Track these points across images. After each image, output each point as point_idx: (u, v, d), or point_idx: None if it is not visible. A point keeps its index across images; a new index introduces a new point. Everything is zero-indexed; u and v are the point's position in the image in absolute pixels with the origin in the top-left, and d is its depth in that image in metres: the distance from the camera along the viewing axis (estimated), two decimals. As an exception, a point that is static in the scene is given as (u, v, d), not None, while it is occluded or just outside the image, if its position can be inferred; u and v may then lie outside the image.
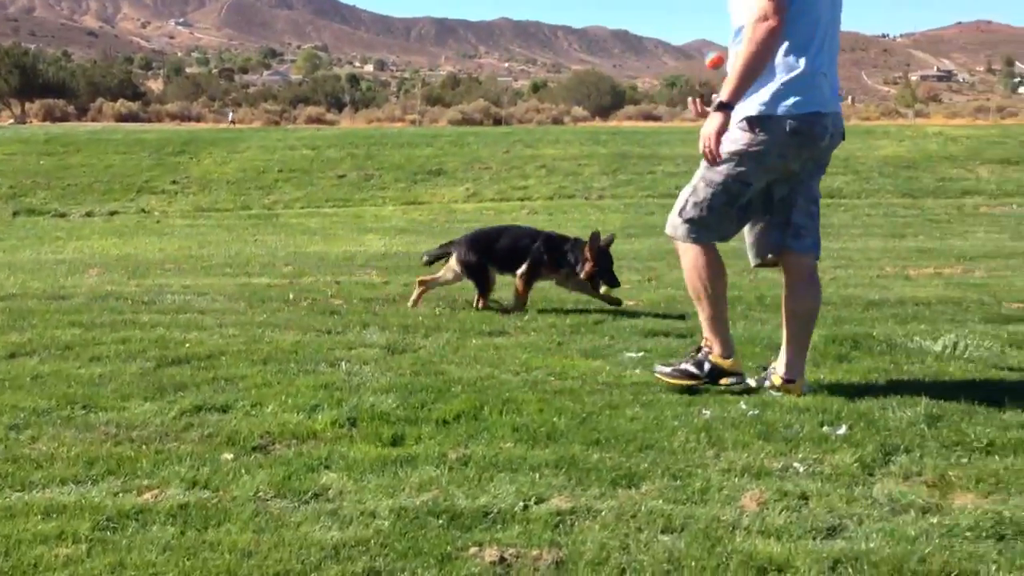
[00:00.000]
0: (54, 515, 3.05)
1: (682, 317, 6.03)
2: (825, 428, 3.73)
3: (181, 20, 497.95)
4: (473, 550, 2.73)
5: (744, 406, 4.03)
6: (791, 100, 3.99)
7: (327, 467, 3.50)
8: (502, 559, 2.68)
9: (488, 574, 2.60)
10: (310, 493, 3.26)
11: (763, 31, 3.86)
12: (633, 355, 5.10)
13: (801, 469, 3.32)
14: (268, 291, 7.03)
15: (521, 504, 3.07)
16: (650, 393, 4.31)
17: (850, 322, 5.85)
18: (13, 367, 4.79)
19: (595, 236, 5.80)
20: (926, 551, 2.64)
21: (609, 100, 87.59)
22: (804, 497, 3.07)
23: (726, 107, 3.94)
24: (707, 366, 4.25)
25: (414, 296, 6.55)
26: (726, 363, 4.25)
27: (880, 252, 8.77)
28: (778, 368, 4.37)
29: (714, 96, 4.12)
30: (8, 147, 16.54)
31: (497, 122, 58.07)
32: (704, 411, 3.98)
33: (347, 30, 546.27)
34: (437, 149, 17.50)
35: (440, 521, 2.97)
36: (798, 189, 4.22)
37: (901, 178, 19.32)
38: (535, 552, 2.71)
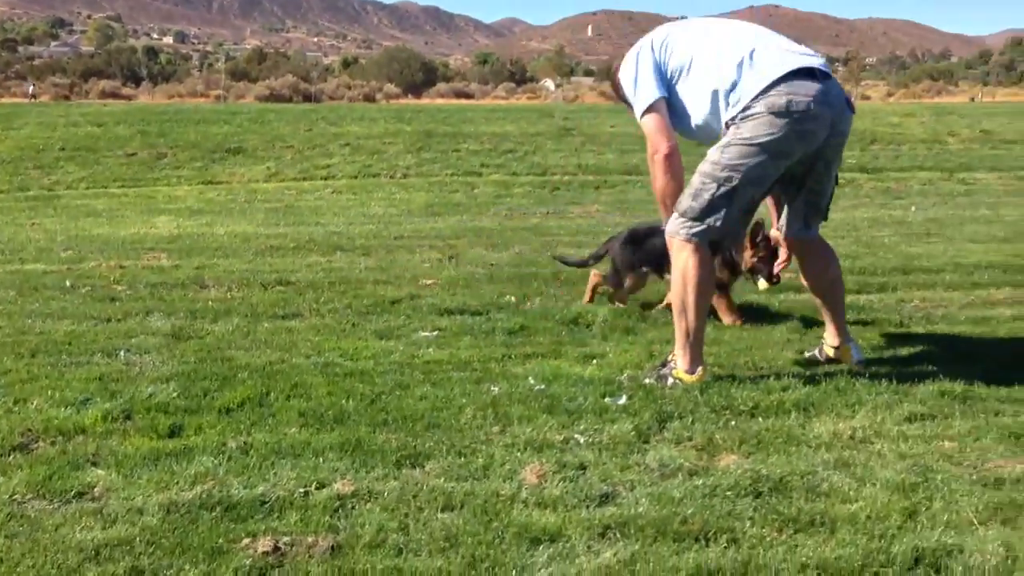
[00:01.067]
0: None
1: (478, 294, 6.08)
2: (607, 399, 3.85)
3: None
4: (246, 541, 2.65)
5: (532, 381, 4.10)
6: None
7: (94, 464, 3.31)
8: (276, 548, 2.62)
9: (260, 565, 2.53)
10: (73, 492, 3.07)
11: (660, 164, 4.13)
12: (427, 334, 5.10)
13: (582, 440, 3.41)
14: (43, 278, 6.58)
15: (301, 491, 3.01)
16: (441, 372, 4.33)
17: (643, 295, 6.07)
18: None
19: (759, 226, 4.98)
20: (689, 512, 2.78)
21: (421, 77, 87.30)
22: (582, 467, 3.16)
23: None
24: (670, 380, 4.09)
25: (587, 293, 6.07)
26: (690, 379, 4.08)
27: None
28: (827, 339, 4.45)
29: None
30: None
31: (307, 99, 56.71)
32: (493, 388, 4.03)
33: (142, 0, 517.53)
34: (236, 127, 16.87)
35: (213, 514, 2.86)
36: None
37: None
38: (311, 539, 2.66)
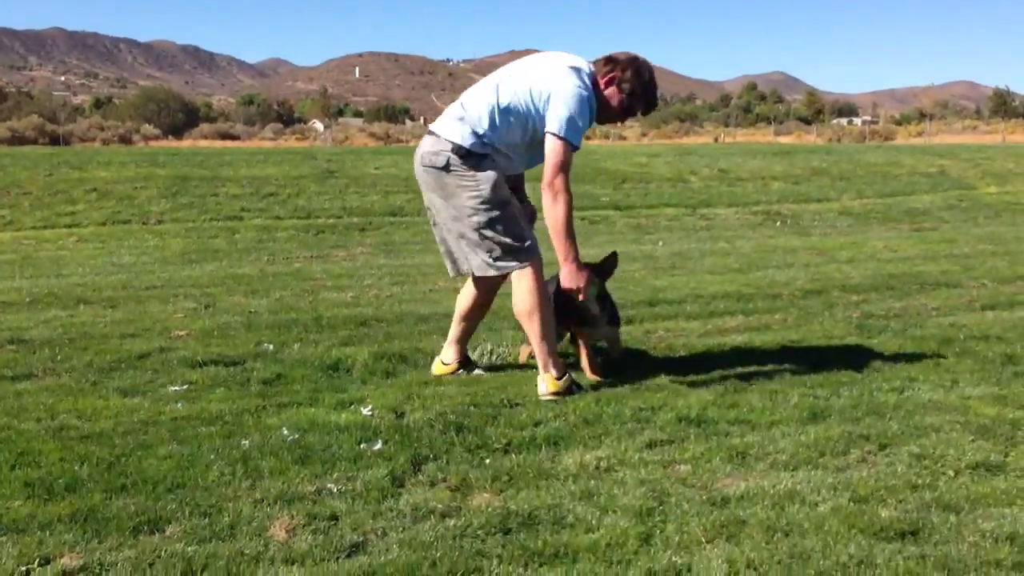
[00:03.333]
0: None
1: (235, 343, 5.87)
2: (362, 445, 3.81)
3: None
4: (-45, 633, 2.40)
5: (286, 432, 4.00)
6: None
7: None
8: (-11, 636, 2.39)
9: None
10: None
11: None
12: (177, 388, 4.87)
13: (335, 489, 3.35)
14: None
15: (22, 569, 2.77)
16: (190, 428, 4.13)
17: (400, 337, 6.08)
18: None
19: None
20: (438, 555, 2.79)
21: (182, 118, 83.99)
22: (334, 518, 3.10)
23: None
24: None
25: None
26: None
27: (435, 267, 9.25)
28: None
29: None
30: None
31: (55, 141, 53.03)
32: (244, 441, 3.89)
33: None
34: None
35: (-85, 605, 2.58)
36: None
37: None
38: (27, 622, 2.45)
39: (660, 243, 13.28)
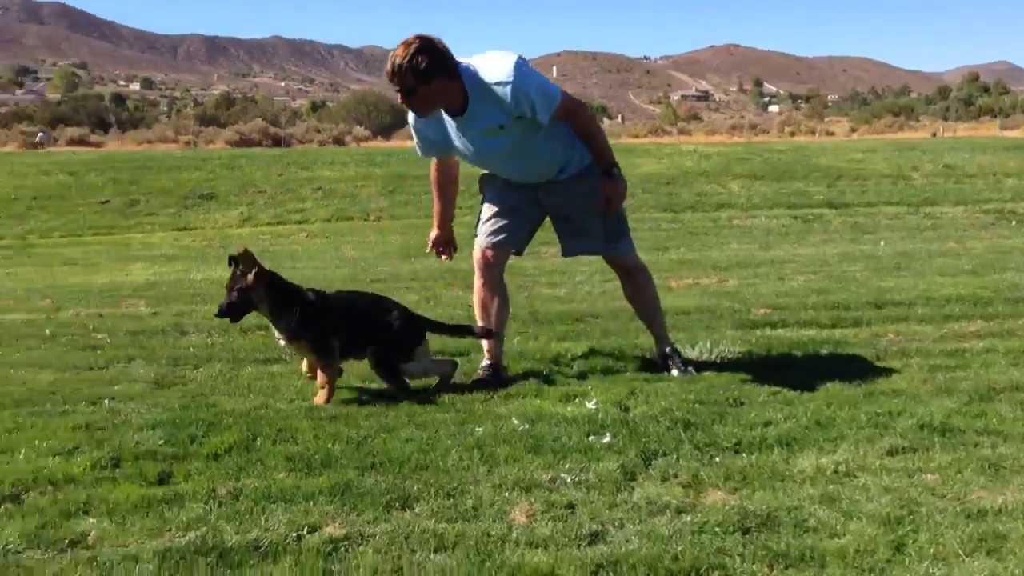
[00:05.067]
0: None
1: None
2: (591, 438, 3.90)
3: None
4: (242, 587, 2.67)
5: (516, 421, 4.15)
6: None
7: (86, 512, 3.32)
8: (272, 593, 2.64)
9: (257, 610, 2.56)
10: (67, 541, 3.09)
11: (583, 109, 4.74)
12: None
13: (568, 479, 3.46)
14: (21, 328, 6.55)
15: (294, 535, 3.04)
16: (425, 414, 4.37)
17: (616, 334, 6.15)
18: None
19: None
20: (679, 549, 2.83)
21: (389, 120, 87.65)
22: (570, 506, 3.21)
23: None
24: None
25: None
26: None
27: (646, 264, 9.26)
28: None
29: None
30: None
31: (276, 143, 56.71)
32: (477, 429, 4.07)
33: (107, 47, 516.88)
34: (208, 172, 16.84)
35: (208, 559, 2.89)
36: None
37: (662, 193, 20.52)
38: (306, 583, 2.69)
39: (882, 243, 12.69)
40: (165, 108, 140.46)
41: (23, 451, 3.93)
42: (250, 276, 4.59)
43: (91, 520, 3.25)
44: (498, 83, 4.40)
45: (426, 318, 5.10)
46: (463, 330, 5.25)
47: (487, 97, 4.44)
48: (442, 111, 4.60)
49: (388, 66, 4.38)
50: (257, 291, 4.61)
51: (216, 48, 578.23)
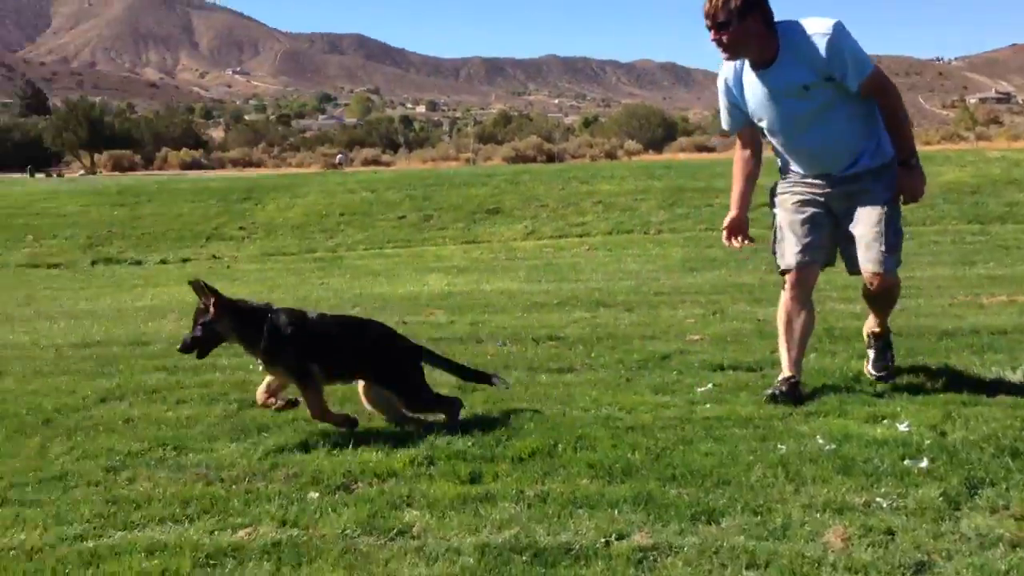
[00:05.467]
0: (156, 553, 3.18)
1: (750, 350, 6.02)
2: (906, 462, 3.70)
3: (238, 69, 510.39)
4: (559, 586, 2.77)
5: (821, 440, 4.01)
6: None
7: (409, 504, 3.59)
8: (589, 594, 2.72)
9: (576, 609, 2.64)
10: (395, 530, 3.35)
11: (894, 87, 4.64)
12: (703, 389, 5.11)
13: (884, 504, 3.30)
14: (338, 334, 7.15)
15: (602, 541, 3.11)
16: (723, 428, 4.32)
17: (923, 353, 5.79)
18: (105, 411, 4.98)
19: None
20: (1018, 585, 2.62)
21: (661, 133, 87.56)
22: (890, 532, 3.06)
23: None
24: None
25: None
26: None
27: (950, 280, 8.66)
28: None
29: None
30: (83, 199, 17.14)
31: (550, 158, 58.34)
32: (780, 446, 3.98)
33: (398, 72, 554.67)
34: (493, 188, 17.64)
35: (524, 558, 3.03)
36: None
37: (966, 204, 19.01)
38: (621, 588, 2.75)
39: None
40: (447, 128, 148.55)
41: (350, 445, 4.30)
42: (211, 308, 4.32)
43: (414, 512, 3.51)
44: (816, 33, 4.38)
45: (430, 350, 4.88)
46: (468, 373, 4.94)
47: (799, 50, 4.42)
48: (748, 70, 4.61)
49: (705, 5, 4.44)
50: (221, 322, 4.34)
51: (495, 69, 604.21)
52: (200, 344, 4.36)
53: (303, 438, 4.42)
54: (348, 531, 3.35)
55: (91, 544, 3.30)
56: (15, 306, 10.11)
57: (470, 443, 4.27)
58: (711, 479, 3.62)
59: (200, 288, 4.28)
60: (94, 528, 3.45)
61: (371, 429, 4.56)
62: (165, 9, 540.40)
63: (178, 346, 4.42)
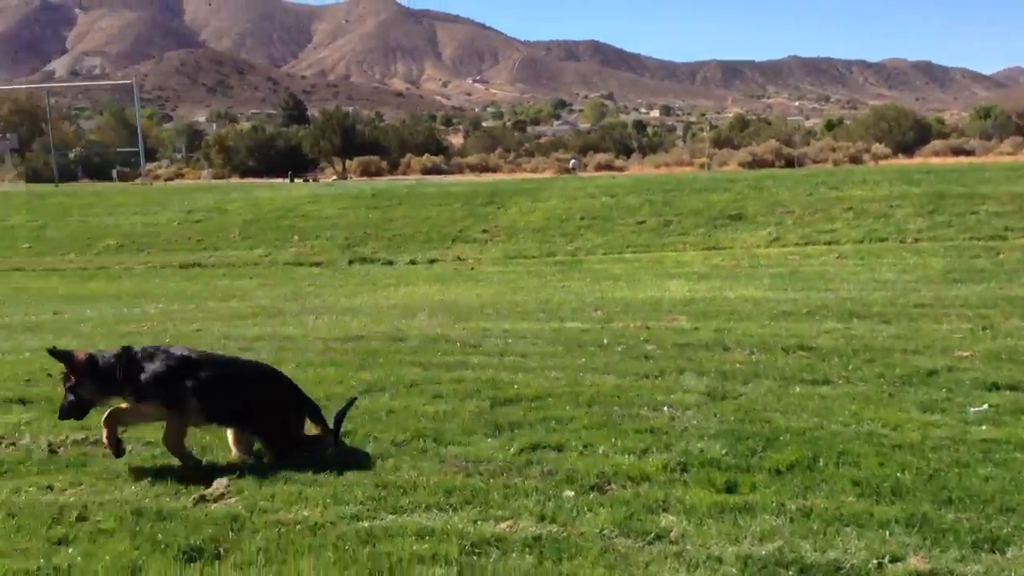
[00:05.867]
0: (425, 537, 3.35)
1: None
2: None
3: (478, 78, 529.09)
4: (832, 604, 2.67)
5: None
6: None
7: (665, 509, 3.57)
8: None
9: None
10: (652, 534, 3.35)
11: None
12: (976, 409, 4.76)
13: None
14: (582, 336, 7.26)
15: (875, 562, 2.98)
16: (1003, 452, 4.01)
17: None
18: (369, 402, 5.29)
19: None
20: None
21: (912, 136, 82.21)
22: None
23: None
24: None
25: None
26: None
27: None
28: None
29: None
30: (341, 202, 18.37)
31: (789, 163, 56.32)
32: (1072, 476, 3.64)
33: (632, 78, 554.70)
34: (735, 194, 17.18)
35: (789, 572, 2.95)
36: None
37: None
38: (900, 612, 2.61)
39: None
40: (680, 133, 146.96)
41: (601, 447, 4.34)
42: (71, 375, 4.24)
43: (670, 517, 3.50)
44: None
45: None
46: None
47: None
48: None
49: None
50: (84, 385, 4.24)
51: (731, 72, 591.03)
52: (76, 409, 4.33)
53: (556, 437, 4.50)
54: (605, 531, 3.39)
55: (366, 524, 3.52)
56: (284, 301, 10.96)
57: (724, 452, 4.20)
58: (993, 505, 3.38)
59: (56, 355, 4.29)
60: (367, 510, 3.68)
61: (620, 430, 4.56)
62: (412, 23, 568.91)
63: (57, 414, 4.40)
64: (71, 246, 17.31)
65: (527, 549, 3.24)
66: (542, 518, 3.53)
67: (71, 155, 62.51)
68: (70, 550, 3.33)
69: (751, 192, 17.54)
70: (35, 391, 5.66)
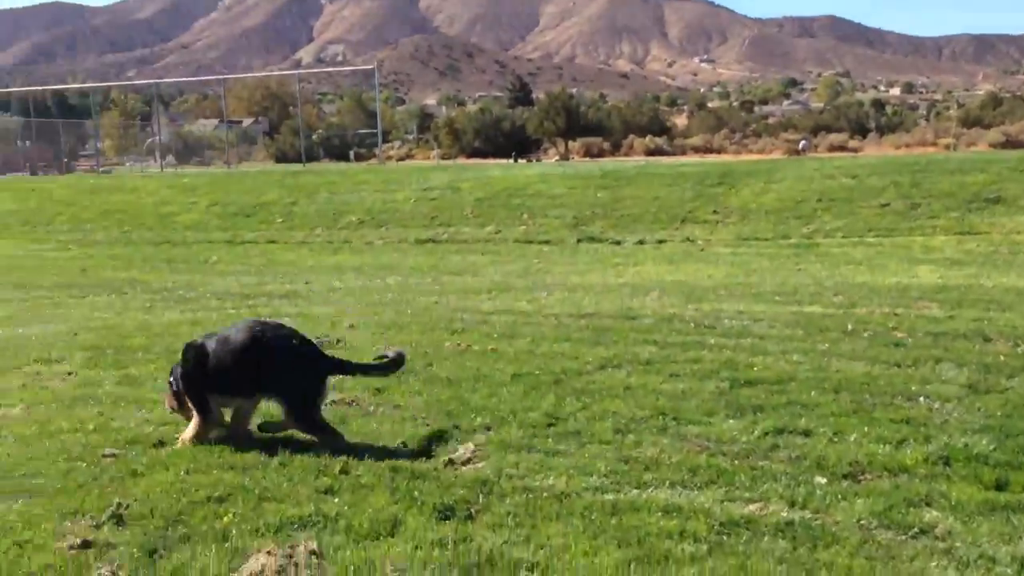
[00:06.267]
0: (672, 514, 3.33)
1: None
2: None
3: (705, 57, 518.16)
4: None
5: None
6: None
7: (928, 504, 3.38)
8: None
9: None
10: (915, 528, 3.17)
11: None
12: None
13: None
14: (823, 320, 6.95)
15: None
16: None
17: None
18: (605, 377, 5.32)
19: None
20: None
21: None
22: None
23: None
24: None
25: None
26: None
27: None
28: None
29: None
30: (570, 181, 18.53)
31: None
32: None
33: (871, 54, 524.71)
34: (992, 175, 15.78)
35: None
36: None
37: None
38: None
39: None
40: (924, 111, 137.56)
41: (852, 435, 4.15)
42: None
43: (934, 512, 3.29)
44: None
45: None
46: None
47: None
48: None
49: None
50: None
51: (984, 46, 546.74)
52: None
53: (802, 423, 4.34)
54: (863, 521, 3.24)
55: (611, 497, 3.54)
56: (515, 277, 11.21)
57: (991, 447, 3.92)
58: None
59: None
60: (611, 483, 3.70)
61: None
62: (640, 3, 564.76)
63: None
64: (319, 221, 18.48)
65: (779, 533, 3.15)
66: (792, 503, 3.42)
67: (314, 137, 66.76)
68: (336, 500, 3.56)
69: (1011, 174, 16.09)
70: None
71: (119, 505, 3.54)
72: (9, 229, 20.31)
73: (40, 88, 66.15)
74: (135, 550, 3.17)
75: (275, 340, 4.35)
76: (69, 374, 5.88)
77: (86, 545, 3.22)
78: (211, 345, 4.36)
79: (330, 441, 4.23)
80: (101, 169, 42.56)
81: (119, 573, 3.03)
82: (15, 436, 4.60)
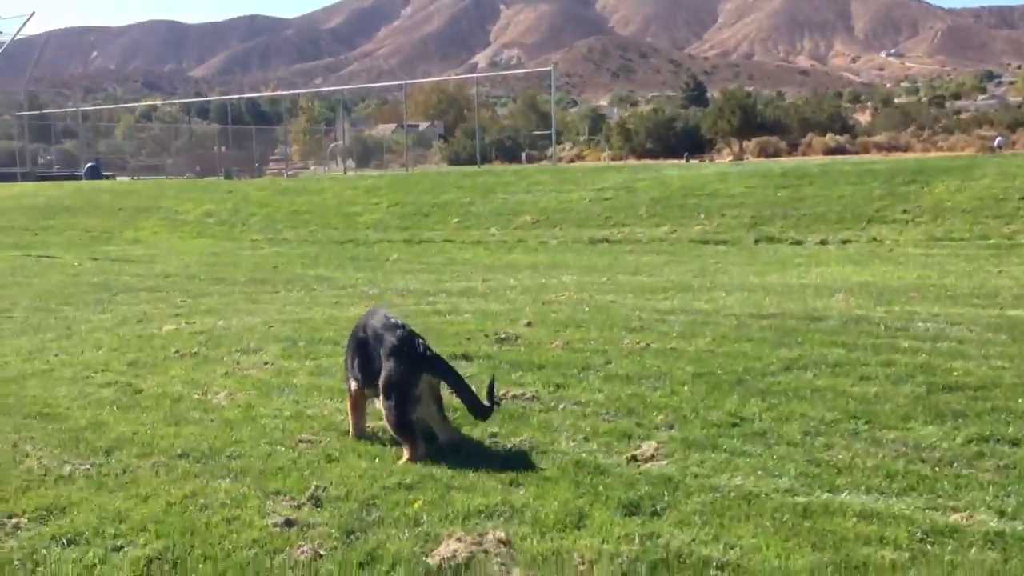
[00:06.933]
0: (870, 519, 3.20)
1: None
2: None
3: (892, 51, 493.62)
4: None
5: None
6: None
7: None
8: None
9: None
10: None
11: None
12: None
13: None
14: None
15: None
16: None
17: None
18: (791, 379, 5.16)
19: None
20: None
21: None
22: None
23: None
24: None
25: None
26: None
27: None
28: None
29: None
30: (749, 180, 18.04)
31: None
32: None
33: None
34: None
35: None
36: None
37: None
38: None
39: None
40: None
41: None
42: None
43: None
44: None
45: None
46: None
47: None
48: None
49: None
50: None
51: None
52: None
53: (1011, 430, 4.08)
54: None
55: (802, 499, 3.44)
56: (692, 277, 11.01)
57: None
58: None
59: None
60: (801, 485, 3.59)
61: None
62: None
63: None
64: (494, 221, 18.78)
65: (989, 544, 2.98)
66: (1002, 514, 3.22)
67: (487, 139, 68.01)
68: (521, 492, 3.62)
69: None
70: (475, 348, 6.20)
71: (317, 487, 3.74)
72: (209, 229, 21.68)
73: (236, 97, 70.51)
74: (333, 530, 3.34)
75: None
76: (266, 364, 6.23)
77: (289, 524, 3.41)
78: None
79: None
80: (288, 173, 44.89)
81: (320, 551, 3.19)
82: (221, 420, 4.92)
